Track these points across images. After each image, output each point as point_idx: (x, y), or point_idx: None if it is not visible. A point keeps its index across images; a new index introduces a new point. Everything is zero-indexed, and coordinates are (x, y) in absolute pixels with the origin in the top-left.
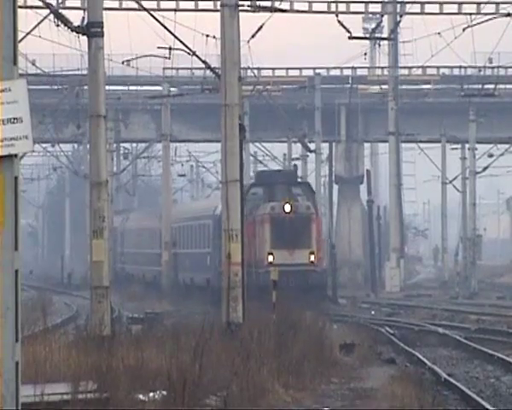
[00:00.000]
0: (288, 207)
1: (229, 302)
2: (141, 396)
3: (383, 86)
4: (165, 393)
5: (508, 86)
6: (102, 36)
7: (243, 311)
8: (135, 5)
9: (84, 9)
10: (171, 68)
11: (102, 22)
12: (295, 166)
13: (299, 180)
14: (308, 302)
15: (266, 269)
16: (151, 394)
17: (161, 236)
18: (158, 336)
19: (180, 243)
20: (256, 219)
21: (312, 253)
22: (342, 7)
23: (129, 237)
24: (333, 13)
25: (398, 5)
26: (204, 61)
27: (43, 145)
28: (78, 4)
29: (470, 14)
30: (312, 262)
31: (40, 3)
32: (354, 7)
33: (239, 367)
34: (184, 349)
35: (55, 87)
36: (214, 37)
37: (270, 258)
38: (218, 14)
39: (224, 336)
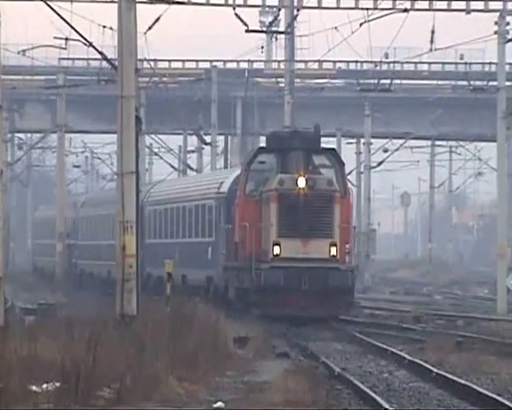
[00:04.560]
0: (302, 182)
1: (124, 294)
2: (34, 387)
3: (279, 80)
4: (58, 384)
5: (403, 82)
6: None
7: (137, 303)
8: None
9: None
10: (68, 59)
11: None
12: (317, 125)
13: (324, 146)
14: (328, 310)
15: (271, 265)
16: (44, 385)
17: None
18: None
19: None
20: (262, 197)
21: (334, 244)
22: (239, 0)
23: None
24: (230, 6)
25: None
26: (100, 52)
27: None
28: None
29: (367, 9)
30: (334, 256)
31: None
32: (251, 0)
33: (133, 359)
34: (78, 341)
35: None
36: (111, 28)
37: (277, 249)
38: (116, 4)
39: (118, 328)
